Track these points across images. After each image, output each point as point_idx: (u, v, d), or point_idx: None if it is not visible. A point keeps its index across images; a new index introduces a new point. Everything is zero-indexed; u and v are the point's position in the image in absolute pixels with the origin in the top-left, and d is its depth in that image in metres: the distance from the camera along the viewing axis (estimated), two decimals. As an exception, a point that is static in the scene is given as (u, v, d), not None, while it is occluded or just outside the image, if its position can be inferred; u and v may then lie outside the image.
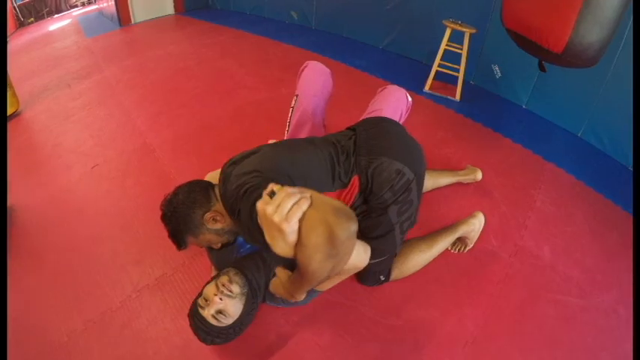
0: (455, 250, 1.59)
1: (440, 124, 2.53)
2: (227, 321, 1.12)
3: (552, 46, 1.42)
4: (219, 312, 1.11)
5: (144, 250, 1.57)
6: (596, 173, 2.17)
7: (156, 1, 4.12)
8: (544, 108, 2.63)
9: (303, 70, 1.64)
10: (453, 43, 2.63)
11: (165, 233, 1.13)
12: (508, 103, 2.80)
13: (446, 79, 2.82)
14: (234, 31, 3.92)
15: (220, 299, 1.11)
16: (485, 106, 2.77)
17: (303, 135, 1.54)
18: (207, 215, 1.10)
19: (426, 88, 2.86)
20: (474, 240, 1.60)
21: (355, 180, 1.19)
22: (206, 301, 1.12)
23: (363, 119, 1.39)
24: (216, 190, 1.14)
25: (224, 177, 1.10)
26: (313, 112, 1.56)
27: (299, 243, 0.76)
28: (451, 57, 2.70)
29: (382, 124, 1.33)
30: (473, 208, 1.67)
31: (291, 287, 1.05)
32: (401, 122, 1.51)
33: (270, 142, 1.31)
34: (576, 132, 2.47)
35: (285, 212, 0.73)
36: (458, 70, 2.69)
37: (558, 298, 1.45)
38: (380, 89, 1.66)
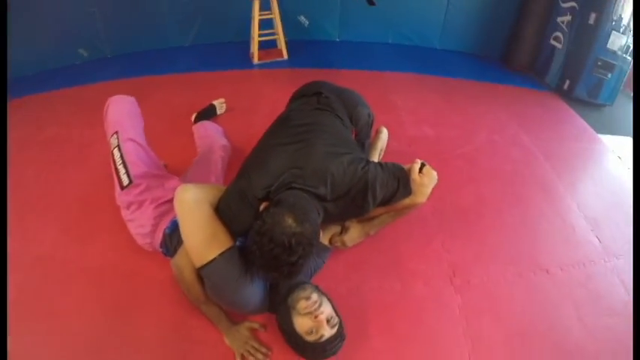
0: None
1: (282, 84, 2.60)
2: (338, 318, 1.08)
3: None
4: (328, 320, 1.04)
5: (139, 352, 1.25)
6: (421, 62, 2.72)
7: None
8: (354, 34, 3.03)
9: (109, 109, 1.44)
10: (263, 12, 2.69)
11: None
12: (325, 43, 3.11)
13: (269, 46, 2.90)
14: (30, 98, 2.83)
15: (317, 317, 1.03)
16: (309, 53, 2.99)
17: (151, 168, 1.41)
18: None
19: (255, 61, 2.89)
20: (384, 148, 1.87)
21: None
22: (313, 333, 1.02)
23: (304, 86, 1.50)
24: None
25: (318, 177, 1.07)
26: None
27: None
28: (266, 24, 2.77)
29: (328, 83, 1.51)
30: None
31: (371, 228, 1.35)
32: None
33: None
34: (387, 40, 2.97)
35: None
36: (275, 34, 2.80)
37: (457, 152, 1.89)
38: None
